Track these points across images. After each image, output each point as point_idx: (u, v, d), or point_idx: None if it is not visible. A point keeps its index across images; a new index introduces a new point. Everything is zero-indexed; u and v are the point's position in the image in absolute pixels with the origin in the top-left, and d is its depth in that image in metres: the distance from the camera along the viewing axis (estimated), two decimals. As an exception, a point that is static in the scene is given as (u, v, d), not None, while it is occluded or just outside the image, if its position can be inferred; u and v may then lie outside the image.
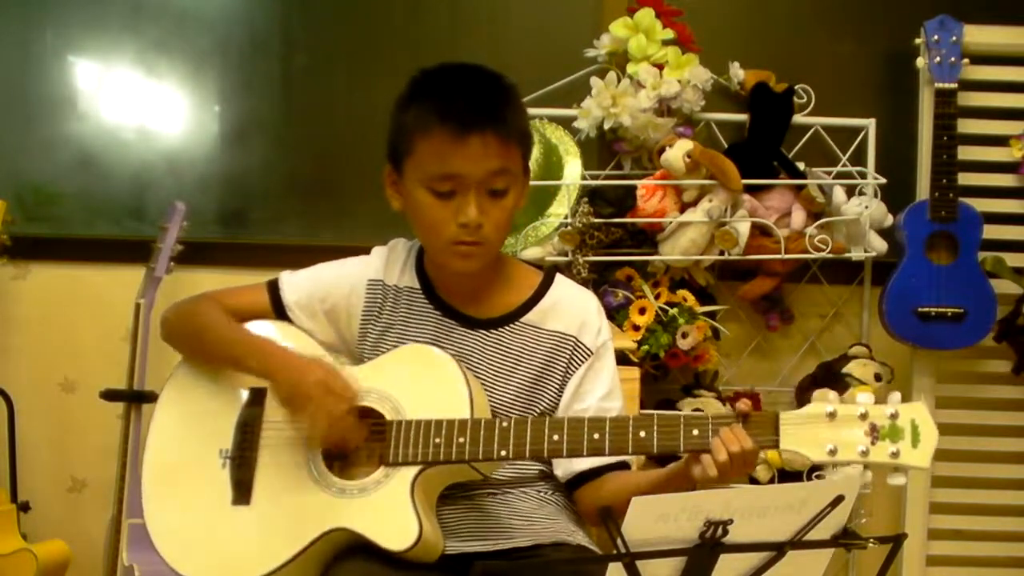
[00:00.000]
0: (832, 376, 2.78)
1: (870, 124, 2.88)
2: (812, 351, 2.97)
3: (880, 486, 2.64)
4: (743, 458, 1.54)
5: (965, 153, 2.80)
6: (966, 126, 2.82)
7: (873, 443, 1.52)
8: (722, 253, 2.73)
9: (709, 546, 1.32)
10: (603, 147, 2.88)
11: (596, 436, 1.60)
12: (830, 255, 2.75)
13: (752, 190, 2.74)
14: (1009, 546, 2.96)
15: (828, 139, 2.88)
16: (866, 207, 2.74)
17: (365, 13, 2.98)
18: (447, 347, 1.75)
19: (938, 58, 2.76)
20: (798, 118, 2.84)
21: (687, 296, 2.74)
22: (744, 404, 1.57)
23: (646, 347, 2.67)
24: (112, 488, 2.57)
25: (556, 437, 1.61)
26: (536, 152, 2.66)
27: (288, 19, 2.99)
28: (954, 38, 2.77)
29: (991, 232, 2.82)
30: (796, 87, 2.83)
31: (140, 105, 2.95)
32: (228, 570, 1.67)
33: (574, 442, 1.61)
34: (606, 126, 2.73)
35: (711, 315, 2.79)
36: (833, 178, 2.83)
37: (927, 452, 1.52)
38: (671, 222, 2.71)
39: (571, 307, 1.80)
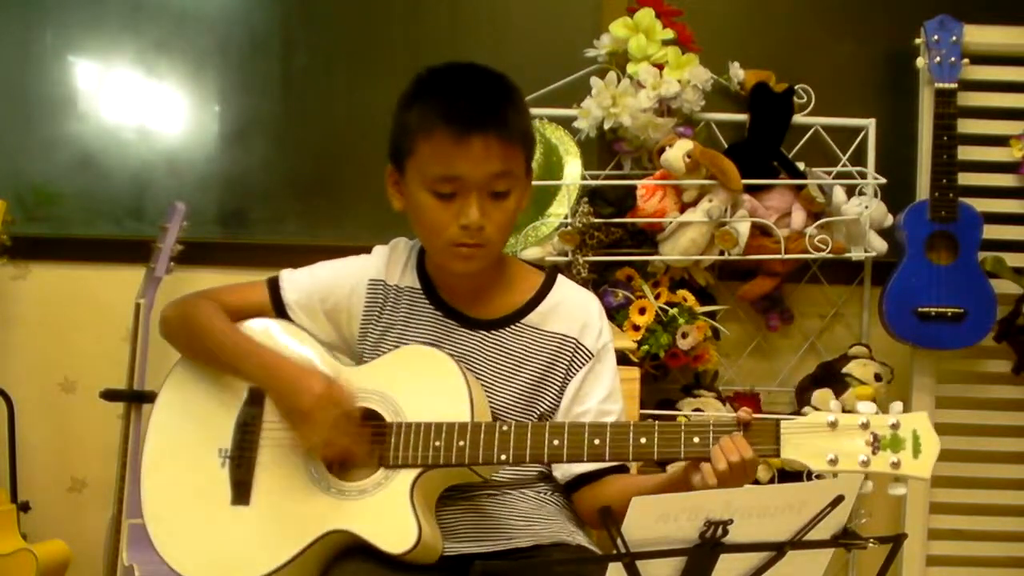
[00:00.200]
0: (832, 376, 2.78)
1: (870, 124, 2.88)
2: (812, 351, 2.97)
3: (880, 490, 2.64)
4: (743, 467, 1.53)
5: (965, 153, 2.80)
6: (966, 126, 2.82)
7: (874, 453, 1.52)
8: (722, 253, 2.73)
9: (709, 546, 1.32)
10: (603, 147, 2.88)
11: (596, 441, 1.60)
12: (830, 255, 2.75)
13: (752, 190, 2.74)
14: (1009, 546, 2.96)
15: (828, 139, 2.88)
16: (866, 207, 2.74)
17: (365, 13, 2.98)
18: (448, 348, 1.74)
19: (938, 58, 2.76)
20: (798, 118, 2.84)
21: (687, 296, 2.74)
22: (745, 412, 1.57)
23: (646, 347, 2.67)
24: (112, 488, 2.57)
25: (556, 442, 1.61)
26: (536, 152, 2.65)
27: (288, 19, 2.99)
28: (954, 38, 2.77)
29: (991, 232, 2.81)
30: (796, 87, 2.83)
31: (140, 105, 2.95)
32: (227, 571, 1.67)
33: (574, 447, 1.61)
34: (606, 126, 2.73)
35: (711, 315, 2.79)
36: (833, 178, 2.83)
37: (928, 462, 1.52)
38: (671, 222, 2.71)
39: (572, 309, 1.80)
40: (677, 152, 2.69)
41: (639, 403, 2.41)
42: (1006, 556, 2.97)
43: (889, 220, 2.82)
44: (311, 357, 1.76)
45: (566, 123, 2.78)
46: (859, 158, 2.88)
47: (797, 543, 1.35)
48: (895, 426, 1.52)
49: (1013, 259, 2.87)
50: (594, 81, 2.74)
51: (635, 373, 2.37)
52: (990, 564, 2.96)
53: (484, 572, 1.35)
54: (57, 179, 2.94)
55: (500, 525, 1.73)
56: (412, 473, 1.63)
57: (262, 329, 1.79)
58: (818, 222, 2.76)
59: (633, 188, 2.73)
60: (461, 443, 1.62)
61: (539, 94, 2.72)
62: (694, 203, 2.72)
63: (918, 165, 2.89)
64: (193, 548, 1.69)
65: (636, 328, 2.67)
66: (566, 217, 2.69)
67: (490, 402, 1.73)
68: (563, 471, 1.78)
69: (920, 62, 2.81)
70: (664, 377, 2.86)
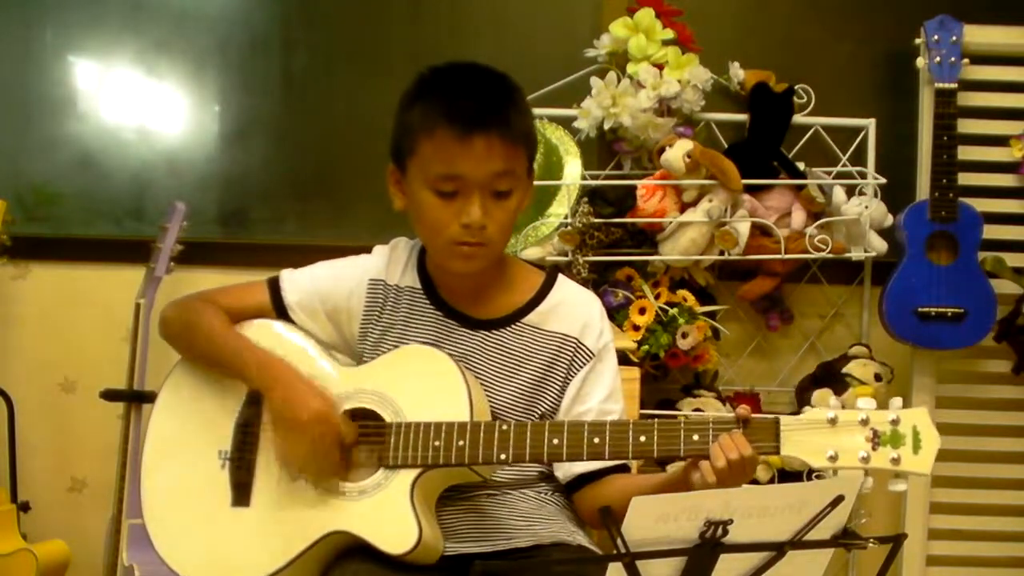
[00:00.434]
0: (832, 376, 2.78)
1: (870, 124, 2.88)
2: (812, 351, 2.97)
3: (880, 486, 2.64)
4: (742, 465, 1.53)
5: (965, 153, 2.80)
6: (966, 126, 2.82)
7: (874, 449, 1.51)
8: (722, 253, 2.73)
9: (709, 546, 1.32)
10: (603, 147, 2.88)
11: (596, 440, 1.60)
12: (830, 255, 2.75)
13: (752, 190, 2.74)
14: (1009, 546, 2.96)
15: (828, 139, 2.88)
16: (866, 207, 2.74)
17: (365, 13, 2.98)
18: (448, 347, 1.74)
19: (938, 58, 2.76)
20: (798, 118, 2.84)
21: (687, 296, 2.74)
22: (744, 410, 1.57)
23: (646, 347, 2.67)
24: (112, 488, 2.57)
25: (556, 441, 1.61)
26: (536, 152, 2.65)
27: (288, 19, 2.99)
28: (954, 38, 2.77)
29: (991, 232, 2.82)
30: (796, 87, 2.83)
31: (140, 105, 2.95)
32: (228, 572, 1.67)
33: (574, 446, 1.61)
34: (606, 126, 2.73)
35: (711, 315, 2.79)
36: (833, 178, 2.83)
37: (928, 458, 1.51)
38: (671, 222, 2.71)
39: (573, 309, 1.80)
40: (677, 152, 2.69)
41: (639, 403, 2.41)
42: (1006, 556, 2.97)
43: (889, 220, 2.82)
44: (311, 357, 1.76)
45: (566, 123, 2.78)
46: (859, 158, 2.88)
47: (797, 543, 1.34)
48: (895, 422, 1.52)
49: (1013, 259, 2.87)
50: (594, 81, 2.74)
51: (635, 373, 2.38)
52: (990, 564, 2.96)
53: (484, 572, 1.35)
54: (57, 179, 2.94)
55: (500, 525, 1.73)
56: (412, 473, 1.63)
57: (262, 329, 1.78)
58: (818, 222, 2.76)
59: (633, 188, 2.73)
60: (461, 443, 1.62)
61: (539, 94, 2.72)
62: (694, 203, 2.72)
63: (918, 165, 2.89)
64: (193, 549, 1.69)
65: (636, 328, 2.67)
66: (566, 217, 2.69)
67: (491, 402, 1.73)
68: (564, 471, 1.77)
69: (920, 62, 2.81)
70: (664, 377, 2.86)
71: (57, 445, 2.89)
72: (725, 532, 1.31)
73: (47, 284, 2.89)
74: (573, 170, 2.73)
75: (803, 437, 1.54)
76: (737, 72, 2.85)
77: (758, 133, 2.81)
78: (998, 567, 2.97)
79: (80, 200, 2.95)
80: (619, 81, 2.73)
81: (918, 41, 2.83)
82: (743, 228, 2.71)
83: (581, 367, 1.77)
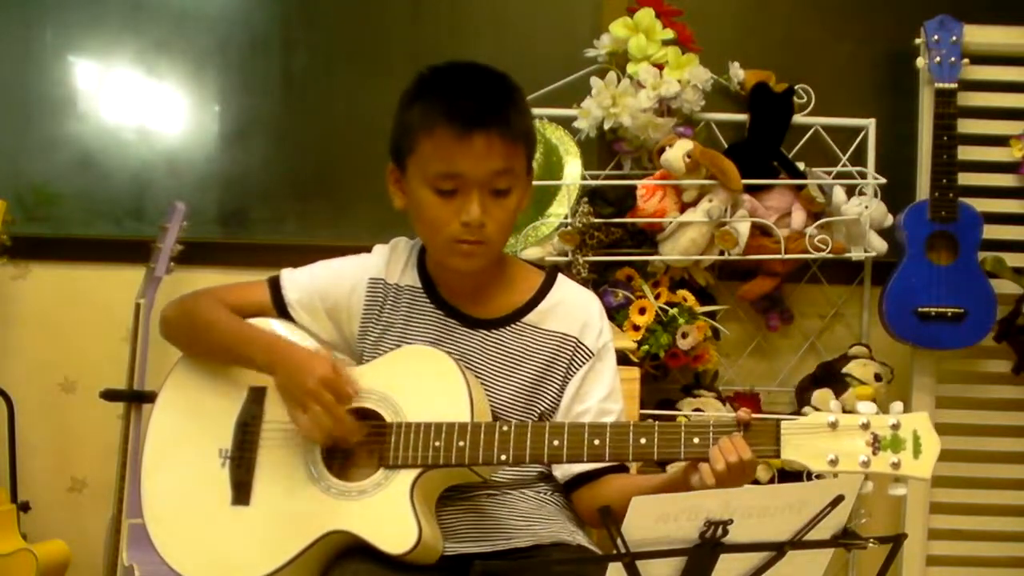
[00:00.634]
0: (832, 376, 2.78)
1: (870, 124, 2.88)
2: (812, 351, 2.97)
3: (880, 490, 2.65)
4: (741, 468, 1.53)
5: (965, 153, 2.80)
6: (966, 126, 2.82)
7: (874, 453, 1.52)
8: (722, 253, 2.73)
9: (709, 546, 1.32)
10: (603, 147, 2.88)
11: (596, 442, 1.60)
12: (830, 255, 2.75)
13: (752, 190, 2.74)
14: (1009, 546, 2.96)
15: (828, 139, 2.88)
16: (866, 207, 2.74)
17: (365, 13, 2.98)
18: (448, 347, 1.74)
19: (938, 58, 2.76)
20: (798, 118, 2.84)
21: (687, 296, 2.74)
22: (745, 413, 1.57)
23: (646, 347, 2.67)
24: (112, 488, 2.57)
25: (556, 442, 1.61)
26: (536, 152, 2.66)
27: (288, 19, 2.99)
28: (954, 38, 2.77)
29: (991, 232, 2.81)
30: (796, 87, 2.83)
31: (140, 105, 2.95)
32: (228, 571, 1.67)
33: (574, 447, 1.61)
34: (606, 126, 2.73)
35: (711, 315, 2.79)
36: (833, 178, 2.83)
37: (928, 463, 1.52)
38: (671, 222, 2.71)
39: (573, 308, 1.80)
40: (677, 152, 2.69)
41: (639, 403, 2.41)
42: (1006, 556, 2.97)
43: (889, 220, 2.82)
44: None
45: (566, 123, 2.78)
46: (859, 158, 2.88)
47: (797, 543, 1.34)
48: (895, 426, 1.52)
49: (1013, 259, 2.86)
50: (594, 81, 2.74)
51: (635, 373, 2.37)
52: (990, 564, 2.96)
53: (484, 572, 1.35)
54: (57, 179, 2.94)
55: (500, 525, 1.73)
56: (412, 473, 1.63)
57: (263, 328, 1.78)
58: (818, 222, 2.76)
59: (633, 188, 2.73)
60: (461, 443, 1.62)
61: (539, 94, 2.72)
62: (694, 203, 2.72)
63: (918, 165, 2.89)
64: (193, 548, 1.69)
65: (636, 328, 2.67)
66: (566, 217, 2.69)
67: (491, 401, 1.73)
68: (563, 470, 1.78)
69: (920, 62, 2.81)
70: (664, 377, 2.86)
71: (57, 445, 2.89)
72: (725, 532, 1.31)
73: (47, 284, 2.89)
74: (573, 170, 2.73)
75: (803, 441, 1.54)
76: (737, 72, 2.85)
77: (758, 133, 2.81)
78: (998, 567, 2.97)
79: (80, 200, 2.95)
80: (619, 81, 2.73)
81: (918, 41, 2.83)
82: (743, 228, 2.71)
83: (580, 366, 1.77)
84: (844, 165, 2.87)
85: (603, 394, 1.78)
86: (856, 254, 2.78)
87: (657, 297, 2.73)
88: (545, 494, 1.80)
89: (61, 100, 2.93)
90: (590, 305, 1.82)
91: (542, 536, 1.72)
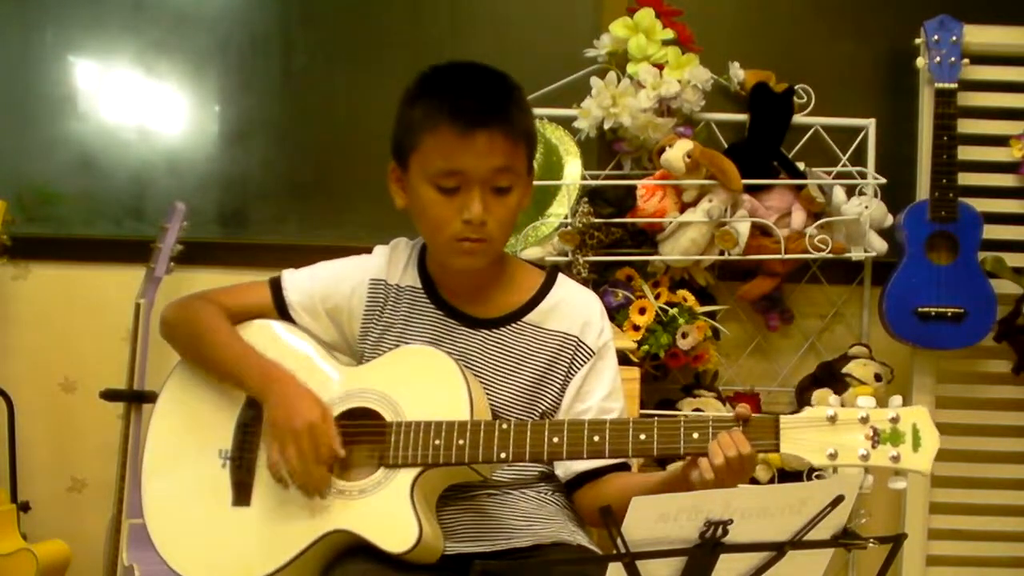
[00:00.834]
0: (832, 376, 2.78)
1: (870, 124, 2.88)
2: (812, 351, 2.97)
3: (880, 486, 2.65)
4: (741, 463, 1.53)
5: (965, 153, 2.80)
6: (966, 126, 2.83)
7: (874, 447, 1.51)
8: (722, 253, 2.73)
9: (709, 546, 1.32)
10: (603, 147, 2.88)
11: (596, 439, 1.60)
12: (830, 255, 2.75)
13: (752, 190, 2.74)
14: (1009, 546, 2.96)
15: (828, 139, 2.88)
16: (866, 207, 2.74)
17: (365, 13, 2.98)
18: (448, 347, 1.74)
19: (938, 58, 2.76)
20: (798, 118, 2.84)
21: (687, 296, 2.74)
22: (744, 408, 1.57)
23: (646, 347, 2.67)
24: (112, 488, 2.57)
25: (556, 439, 1.61)
26: (536, 152, 2.66)
27: (288, 19, 2.99)
28: (954, 38, 2.77)
29: (991, 232, 2.82)
30: (796, 87, 2.83)
31: (140, 105, 2.95)
32: (228, 571, 1.67)
33: (574, 444, 1.61)
34: (606, 126, 2.73)
35: (711, 315, 2.79)
36: (833, 178, 2.83)
37: (928, 456, 1.52)
38: (671, 222, 2.71)
39: (573, 307, 1.80)
40: (677, 152, 2.69)
41: (639, 403, 2.41)
42: (1006, 556, 2.97)
43: (889, 220, 2.82)
44: (311, 357, 1.76)
45: (566, 123, 2.78)
46: (859, 158, 2.88)
47: (797, 543, 1.34)
48: (895, 420, 1.52)
49: (1013, 259, 2.87)
50: (594, 81, 2.74)
51: (635, 373, 2.38)
52: (990, 564, 2.96)
53: (484, 572, 1.35)
54: (57, 179, 2.94)
55: (500, 525, 1.73)
56: (412, 472, 1.63)
57: (263, 329, 1.79)
58: (818, 222, 2.76)
59: (633, 188, 2.73)
60: (461, 442, 1.62)
61: (539, 94, 2.73)
62: (694, 203, 2.72)
63: (918, 165, 2.89)
64: (194, 549, 1.69)
65: (636, 328, 2.67)
66: (566, 217, 2.69)
67: (491, 401, 1.73)
68: (564, 469, 1.78)
69: (920, 62, 2.81)
70: (664, 377, 2.86)
71: (57, 445, 2.89)
72: (725, 532, 1.31)
73: (47, 284, 2.89)
74: (573, 170, 2.73)
75: (803, 435, 1.54)
76: (737, 72, 2.85)
77: (758, 133, 2.81)
78: (998, 567, 2.97)
79: (80, 200, 2.95)
80: (619, 81, 2.73)
81: (918, 41, 2.83)
82: (743, 228, 2.71)
83: (581, 365, 1.77)
84: (844, 165, 2.87)
85: (604, 393, 1.78)
86: (856, 254, 2.78)
87: (657, 297, 2.73)
88: (546, 494, 1.80)
89: (61, 100, 2.93)
90: (591, 304, 1.82)
91: (542, 536, 1.72)
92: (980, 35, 2.84)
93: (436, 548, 1.64)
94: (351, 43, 2.99)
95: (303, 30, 2.99)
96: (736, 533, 1.32)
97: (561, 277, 1.84)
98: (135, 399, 2.58)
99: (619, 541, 1.29)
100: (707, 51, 2.82)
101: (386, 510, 1.62)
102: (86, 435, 2.87)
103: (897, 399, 1.55)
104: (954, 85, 2.76)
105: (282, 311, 1.80)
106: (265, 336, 1.78)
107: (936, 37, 2.77)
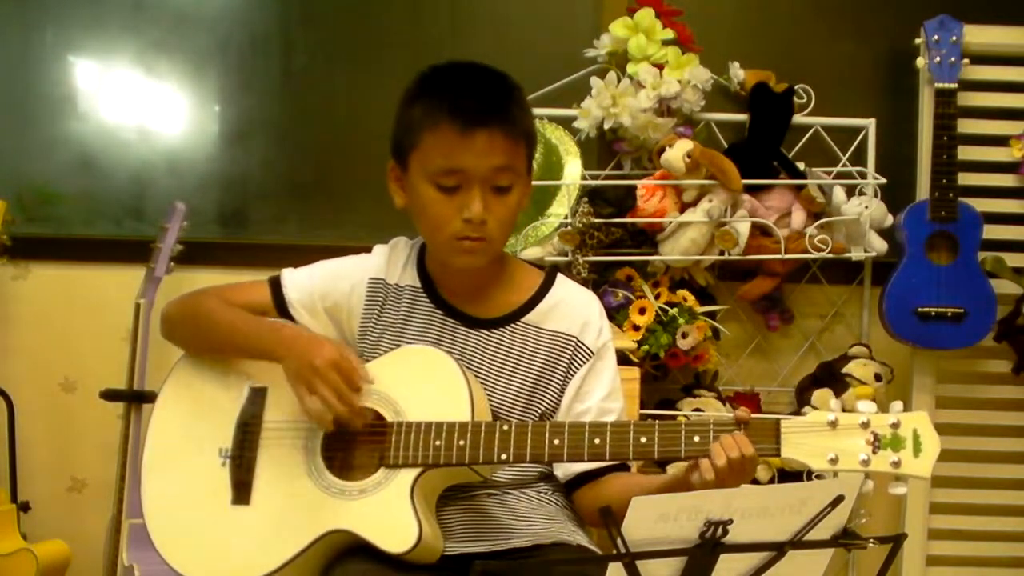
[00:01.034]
0: (832, 376, 2.78)
1: (870, 124, 2.88)
2: (812, 351, 2.97)
3: (880, 488, 2.65)
4: (742, 464, 1.53)
5: (965, 153, 2.80)
6: (966, 126, 2.83)
7: (874, 452, 1.52)
8: (722, 253, 2.73)
9: (709, 546, 1.32)
10: (603, 147, 2.88)
11: (597, 441, 1.60)
12: (830, 255, 2.75)
13: (752, 190, 2.74)
14: (1009, 546, 2.96)
15: (828, 139, 2.88)
16: (866, 207, 2.74)
17: (365, 13, 2.98)
18: (448, 346, 1.75)
19: (938, 58, 2.76)
20: (798, 118, 2.84)
21: (687, 296, 2.74)
22: (744, 412, 1.57)
23: (646, 347, 2.67)
24: (112, 488, 2.57)
25: (557, 441, 1.61)
26: (536, 152, 2.66)
27: (288, 19, 2.99)
28: (954, 38, 2.77)
29: (991, 232, 2.82)
30: (796, 87, 2.83)
31: (140, 105, 2.95)
32: (228, 570, 1.67)
33: (575, 446, 1.61)
34: (606, 126, 2.73)
35: (711, 315, 2.79)
36: (833, 178, 2.83)
37: (929, 462, 1.52)
38: (671, 222, 2.71)
39: (573, 307, 1.80)
40: (677, 152, 2.69)
41: (639, 403, 2.41)
42: (1006, 556, 2.97)
43: (889, 220, 2.82)
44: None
45: (566, 123, 2.78)
46: (859, 158, 2.88)
47: (797, 543, 1.35)
48: (895, 425, 1.52)
49: (1013, 259, 2.87)
50: (594, 81, 2.74)
51: (635, 373, 2.38)
52: (990, 564, 2.96)
53: (484, 572, 1.35)
54: (57, 179, 2.94)
55: (500, 525, 1.73)
56: (412, 473, 1.63)
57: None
58: (818, 222, 2.76)
59: (633, 188, 2.73)
60: (461, 442, 1.62)
61: (539, 94, 2.73)
62: (694, 203, 2.72)
63: (918, 165, 2.89)
64: (194, 548, 1.69)
65: (636, 328, 2.67)
66: (566, 217, 2.69)
67: (491, 401, 1.73)
68: (564, 469, 1.78)
69: (920, 62, 2.81)
70: (664, 377, 2.86)
71: (57, 445, 2.89)
72: (725, 532, 1.31)
73: (47, 284, 2.89)
74: (573, 170, 2.73)
75: (803, 439, 1.54)
76: (737, 72, 2.85)
77: (758, 133, 2.81)
78: (998, 567, 2.97)
79: (80, 200, 2.95)
80: (619, 81, 2.73)
81: (918, 41, 2.83)
82: (743, 228, 2.71)
83: (581, 365, 1.77)
84: (844, 165, 2.87)
85: (604, 393, 1.78)
86: (856, 254, 2.78)
87: (657, 297, 2.73)
88: (545, 494, 1.80)
89: (61, 100, 2.93)
90: (590, 304, 1.82)
91: (542, 536, 1.72)
92: (980, 35, 2.84)
93: (436, 548, 1.64)
94: (351, 43, 2.99)
95: (303, 30, 2.99)
96: (736, 533, 1.32)
97: (560, 277, 1.84)
98: (135, 399, 2.58)
99: (619, 541, 1.29)
100: (707, 51, 2.82)
101: (386, 510, 1.62)
102: (86, 435, 2.87)
103: (898, 404, 1.56)
104: (954, 85, 2.76)
105: (282, 309, 1.80)
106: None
107: (936, 37, 2.77)
